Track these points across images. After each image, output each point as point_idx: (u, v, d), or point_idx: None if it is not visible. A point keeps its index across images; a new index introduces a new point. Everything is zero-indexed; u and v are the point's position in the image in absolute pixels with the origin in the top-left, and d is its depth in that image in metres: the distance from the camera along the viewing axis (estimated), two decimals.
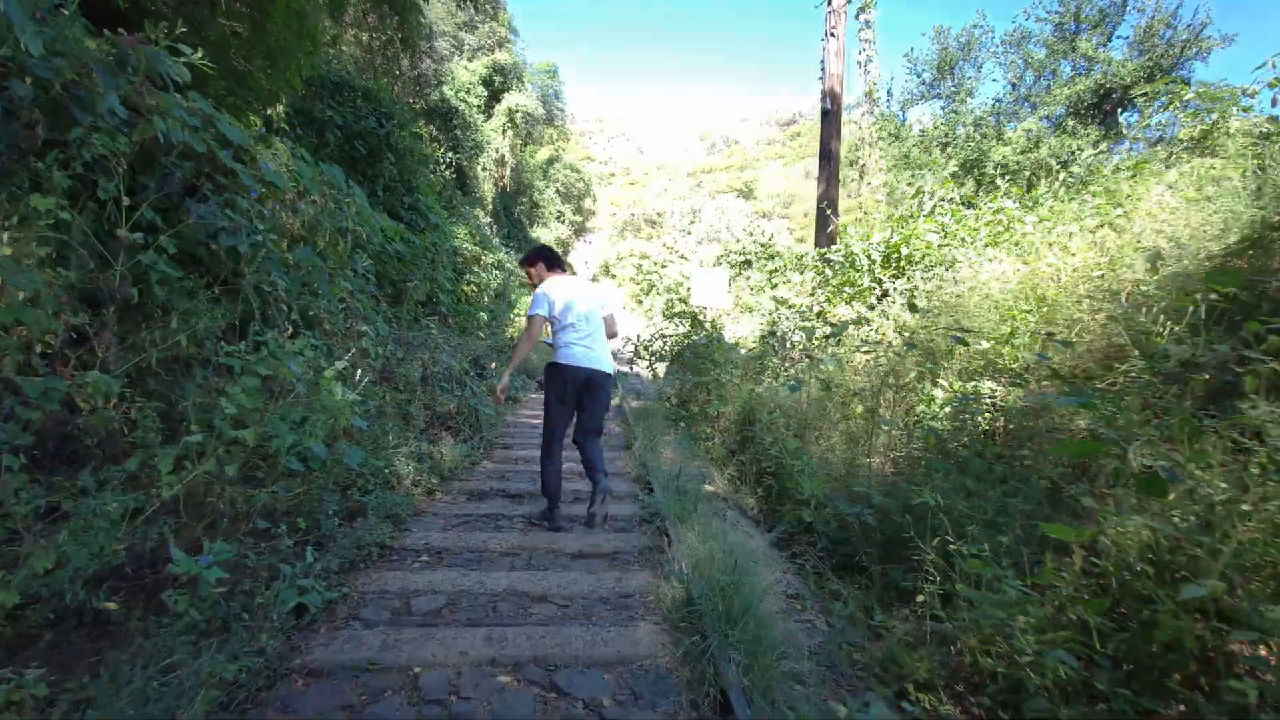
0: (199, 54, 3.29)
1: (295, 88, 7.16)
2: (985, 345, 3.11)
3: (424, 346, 6.93)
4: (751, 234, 21.09)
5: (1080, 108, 15.70)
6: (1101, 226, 3.56)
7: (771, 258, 19.87)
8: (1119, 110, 15.97)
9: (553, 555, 3.33)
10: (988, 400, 3.02)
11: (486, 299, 12.71)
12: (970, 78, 18.50)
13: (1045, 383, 3.07)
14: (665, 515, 3.59)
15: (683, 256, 29.40)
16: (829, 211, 7.59)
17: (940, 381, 3.39)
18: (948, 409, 3.28)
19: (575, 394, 3.61)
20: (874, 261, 5.71)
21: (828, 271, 6.37)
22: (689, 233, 49.76)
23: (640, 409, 6.89)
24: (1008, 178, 15.25)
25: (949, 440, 2.97)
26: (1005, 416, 3.01)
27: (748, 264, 20.56)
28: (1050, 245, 3.62)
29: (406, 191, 10.50)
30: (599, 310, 3.73)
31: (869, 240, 5.85)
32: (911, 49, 19.26)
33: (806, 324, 6.11)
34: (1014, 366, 3.07)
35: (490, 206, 25.99)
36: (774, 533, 3.73)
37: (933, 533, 2.40)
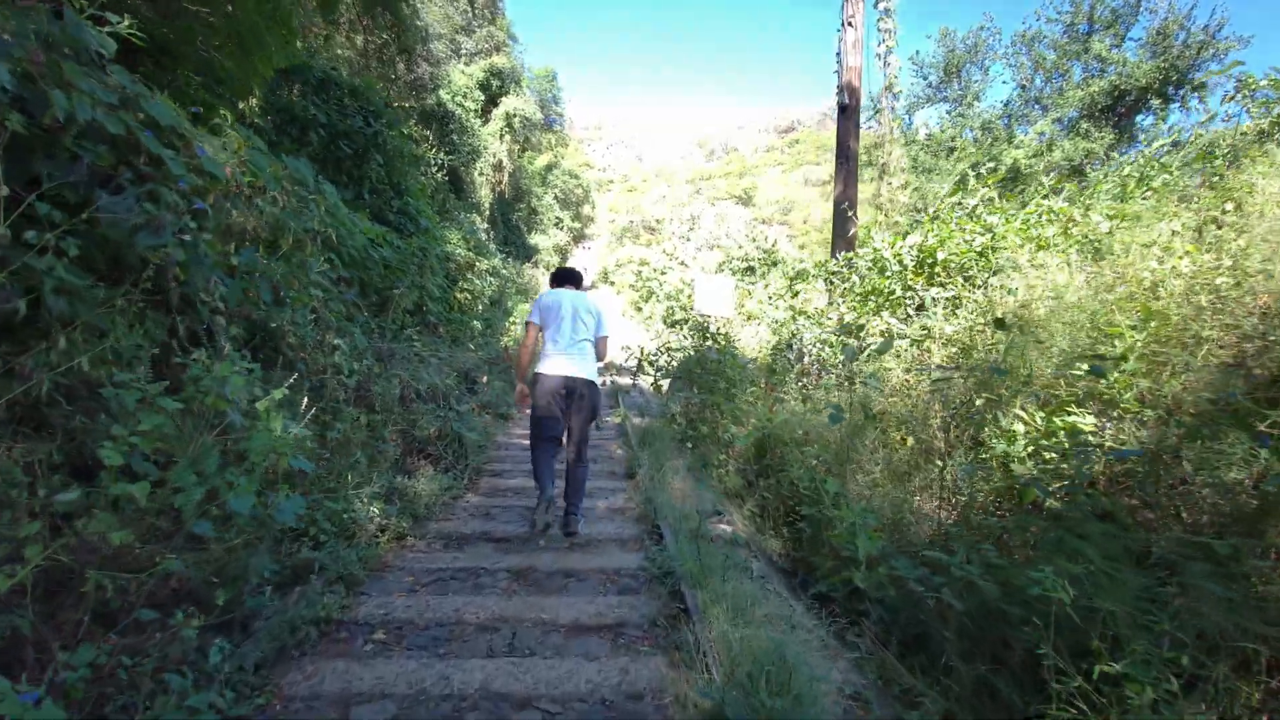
0: (124, 24, 2.64)
1: (265, 76, 6.52)
2: (1087, 369, 2.47)
3: (406, 360, 6.27)
4: (754, 240, 20.49)
5: (1094, 110, 15.13)
6: (1209, 224, 2.94)
7: (775, 264, 19.26)
8: (1134, 113, 15.43)
9: (542, 630, 2.64)
10: (1096, 439, 2.38)
11: (481, 307, 12.06)
12: (977, 81, 17.96)
13: (1156, 414, 2.42)
14: (680, 575, 2.92)
15: (683, 263, 28.94)
16: (849, 213, 6.95)
17: (1018, 412, 2.75)
18: (1029, 447, 2.63)
19: (557, 404, 3.59)
20: (906, 267, 5.08)
21: (854, 278, 5.73)
22: (688, 239, 49.24)
23: (644, 428, 6.23)
24: (1016, 184, 14.68)
25: (1047, 492, 2.31)
26: (1109, 461, 2.37)
27: (751, 270, 19.96)
28: (1142, 247, 2.99)
29: (395, 194, 9.86)
30: (585, 321, 3.71)
31: (900, 243, 5.21)
32: (917, 51, 18.71)
33: (840, 338, 5.45)
34: (1125, 396, 2.42)
35: (487, 212, 25.38)
36: (811, 591, 3.07)
37: (1053, 627, 1.75)
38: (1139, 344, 2.50)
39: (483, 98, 24.41)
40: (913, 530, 3.23)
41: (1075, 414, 2.46)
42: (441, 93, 23.67)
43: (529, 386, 3.76)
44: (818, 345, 5.78)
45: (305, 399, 3.23)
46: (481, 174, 24.46)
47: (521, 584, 3.07)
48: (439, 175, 16.25)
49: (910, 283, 5.10)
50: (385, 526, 3.45)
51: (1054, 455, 2.61)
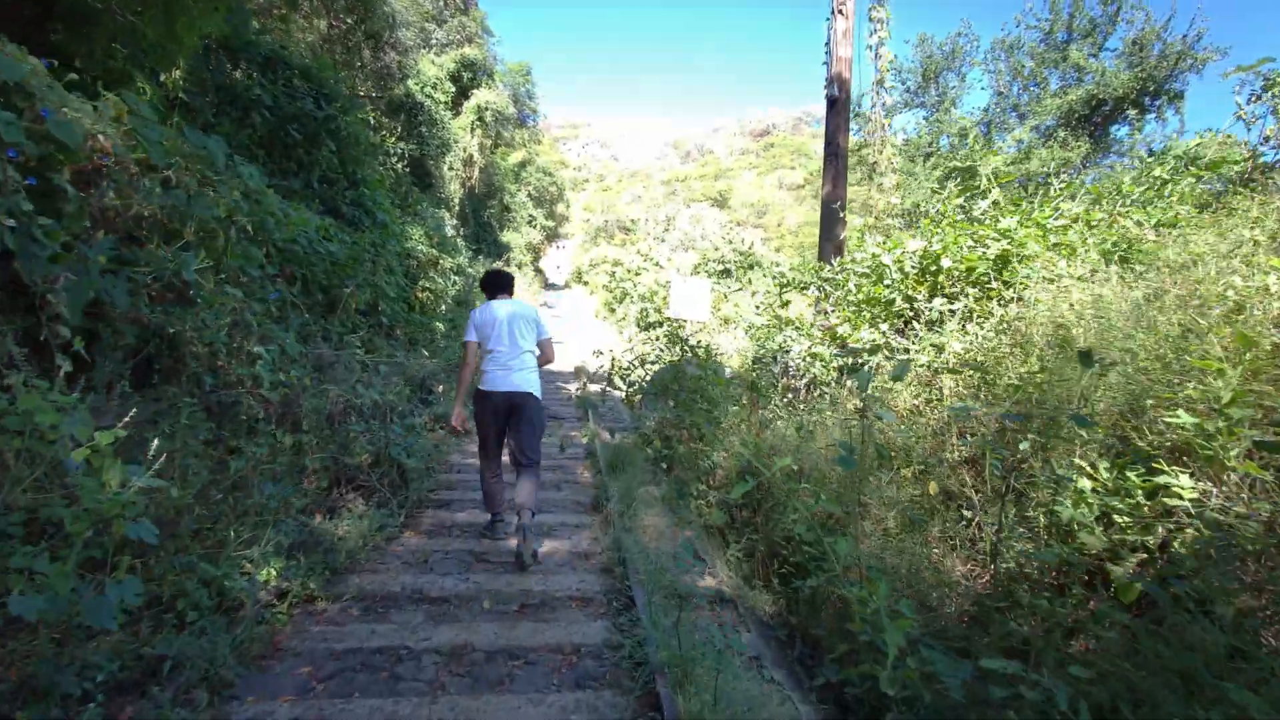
0: None
1: (189, 44, 5.71)
2: (1184, 418, 1.90)
3: (350, 369, 5.51)
4: (731, 241, 19.99)
5: (1071, 119, 14.98)
6: None
7: (752, 267, 18.78)
8: (1110, 123, 15.33)
9: None
10: (1196, 508, 1.81)
11: (444, 307, 11.26)
12: (954, 87, 17.75)
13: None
14: (655, 665, 2.28)
15: (657, 264, 28.30)
16: (839, 214, 6.39)
17: (1078, 461, 2.18)
18: (1095, 507, 2.07)
19: (499, 420, 3.61)
20: (906, 275, 4.53)
21: (850, 285, 5.16)
22: (663, 240, 48.80)
23: (615, 448, 5.58)
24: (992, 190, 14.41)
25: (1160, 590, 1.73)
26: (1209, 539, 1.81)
27: (727, 273, 19.45)
28: (1221, 258, 2.45)
29: (350, 185, 9.02)
30: (523, 331, 3.64)
31: (898, 249, 4.66)
32: (895, 56, 18.41)
33: (835, 352, 4.87)
34: (1231, 453, 1.87)
35: (457, 208, 24.41)
36: (818, 680, 2.45)
37: None
38: (1235, 380, 1.95)
39: (453, 89, 23.45)
40: (933, 595, 2.64)
41: (1165, 471, 1.90)
42: (410, 83, 22.65)
43: (474, 403, 3.68)
44: (806, 359, 5.21)
45: (185, 426, 2.50)
46: (451, 168, 23.49)
47: (453, 672, 2.39)
48: (400, 166, 15.34)
49: (911, 292, 4.56)
50: (285, 591, 2.73)
51: (1127, 520, 2.04)
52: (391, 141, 15.23)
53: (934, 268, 4.42)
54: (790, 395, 5.48)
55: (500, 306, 3.66)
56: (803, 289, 6.39)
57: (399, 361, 6.76)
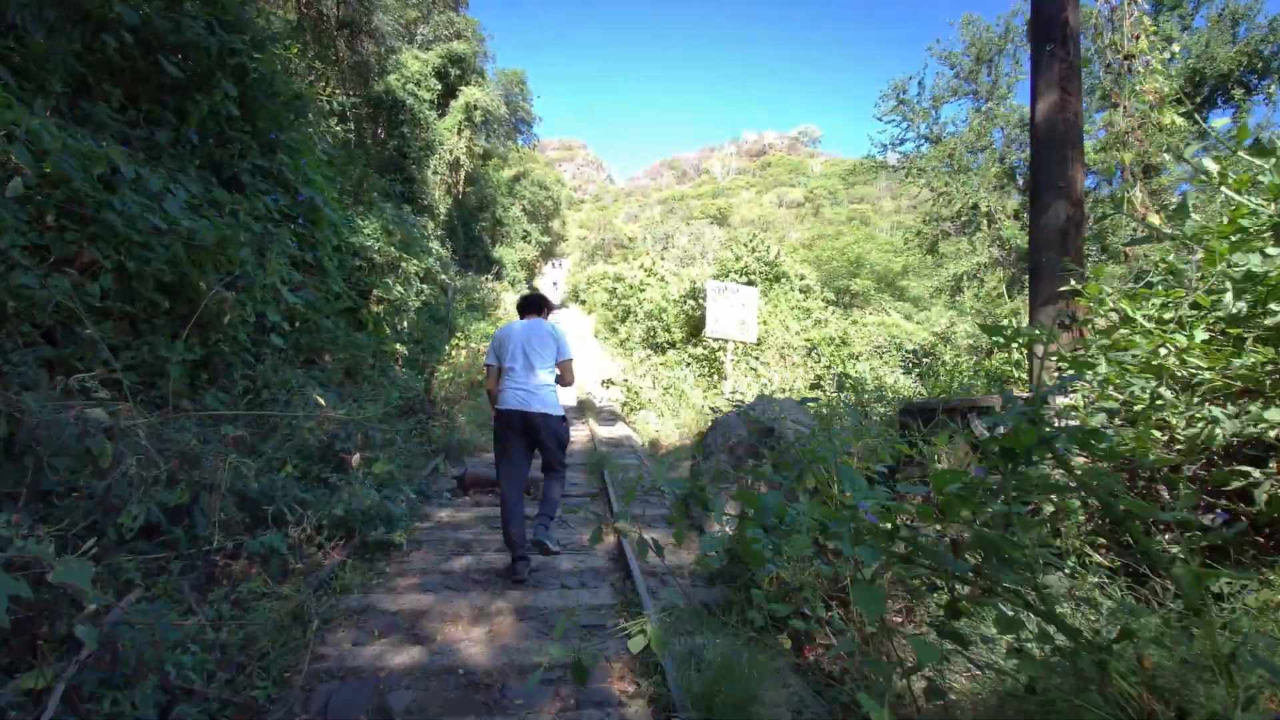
0: None
1: None
2: None
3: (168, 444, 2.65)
4: (754, 249, 17.30)
5: (1163, 100, 12.42)
6: None
7: (778, 278, 16.04)
8: (1209, 104, 12.81)
9: None
10: None
11: (406, 324, 8.41)
12: (1008, 74, 15.24)
13: None
14: None
15: (662, 279, 25.55)
16: (1066, 150, 3.54)
17: None
18: None
19: (518, 439, 3.50)
20: None
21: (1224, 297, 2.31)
22: (663, 258, 46.35)
23: (672, 603, 2.70)
24: None
25: None
26: None
27: (751, 285, 16.72)
28: None
29: (263, 150, 6.22)
30: (539, 350, 3.54)
31: None
32: (938, 40, 15.88)
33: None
34: None
35: (442, 217, 21.66)
36: None
37: None
38: None
39: (439, 87, 20.85)
40: None
41: None
42: (391, 78, 20.05)
43: (494, 421, 3.56)
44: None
45: None
46: (436, 173, 20.79)
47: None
48: (342, 129, 12.42)
49: None
50: None
51: None
52: (330, 94, 12.32)
53: None
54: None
55: (516, 327, 3.65)
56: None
57: (293, 418, 3.85)
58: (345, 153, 9.08)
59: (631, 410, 9.02)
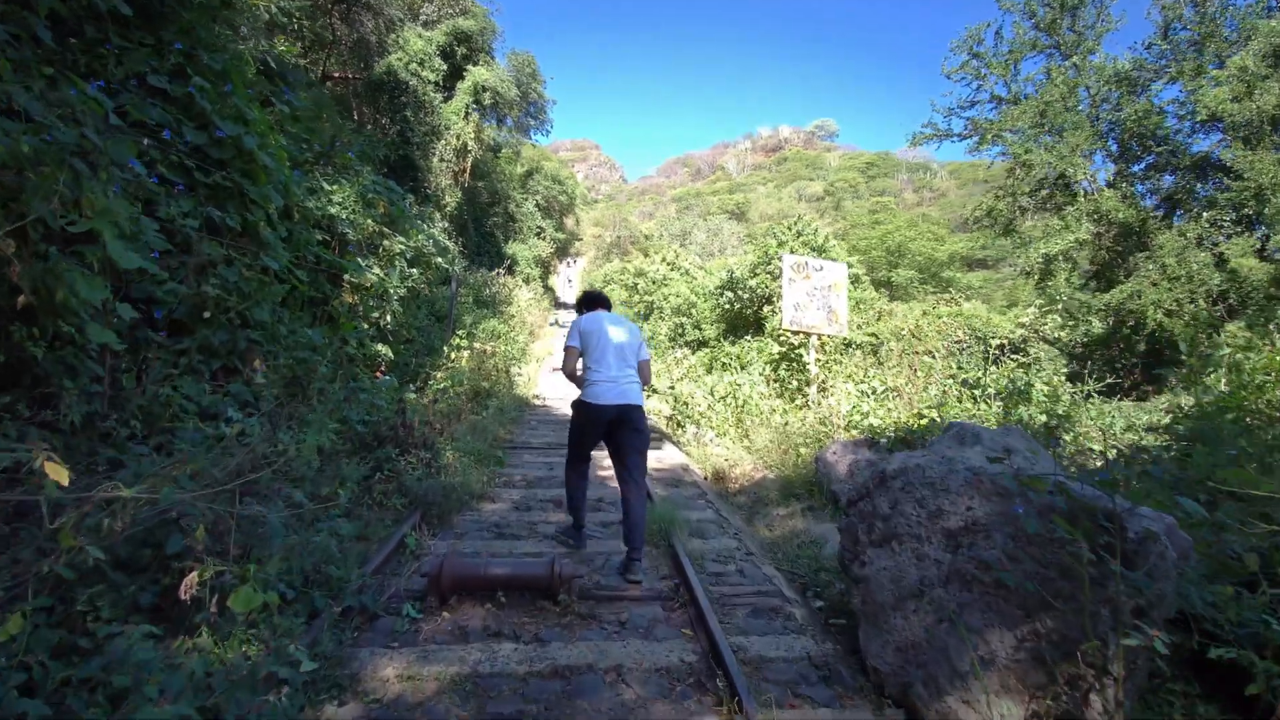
0: None
1: None
2: None
3: None
4: (798, 231, 15.15)
5: None
6: None
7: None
8: None
9: None
10: None
11: (389, 319, 6.43)
12: (1093, 24, 12.95)
13: None
14: None
15: (687, 272, 23.39)
16: None
17: None
18: None
19: (604, 432, 3.36)
20: None
21: None
22: (678, 254, 44.26)
23: None
24: None
25: None
26: None
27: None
28: None
29: (173, 73, 4.27)
30: (631, 344, 3.45)
31: None
32: None
33: None
34: None
35: (449, 208, 19.73)
36: None
37: None
38: None
39: (444, 67, 18.94)
40: None
41: None
42: (392, 58, 18.19)
43: (575, 412, 3.41)
44: None
45: None
46: (442, 159, 18.88)
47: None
48: (291, 47, 10.57)
49: None
50: None
51: None
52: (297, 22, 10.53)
53: None
54: None
55: (605, 318, 3.48)
56: None
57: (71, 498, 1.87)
58: (311, 99, 7.09)
59: (678, 425, 6.97)
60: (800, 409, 5.76)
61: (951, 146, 13.90)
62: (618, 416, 3.25)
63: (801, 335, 6.41)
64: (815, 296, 6.03)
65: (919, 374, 5.49)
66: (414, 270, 6.77)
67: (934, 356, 9.44)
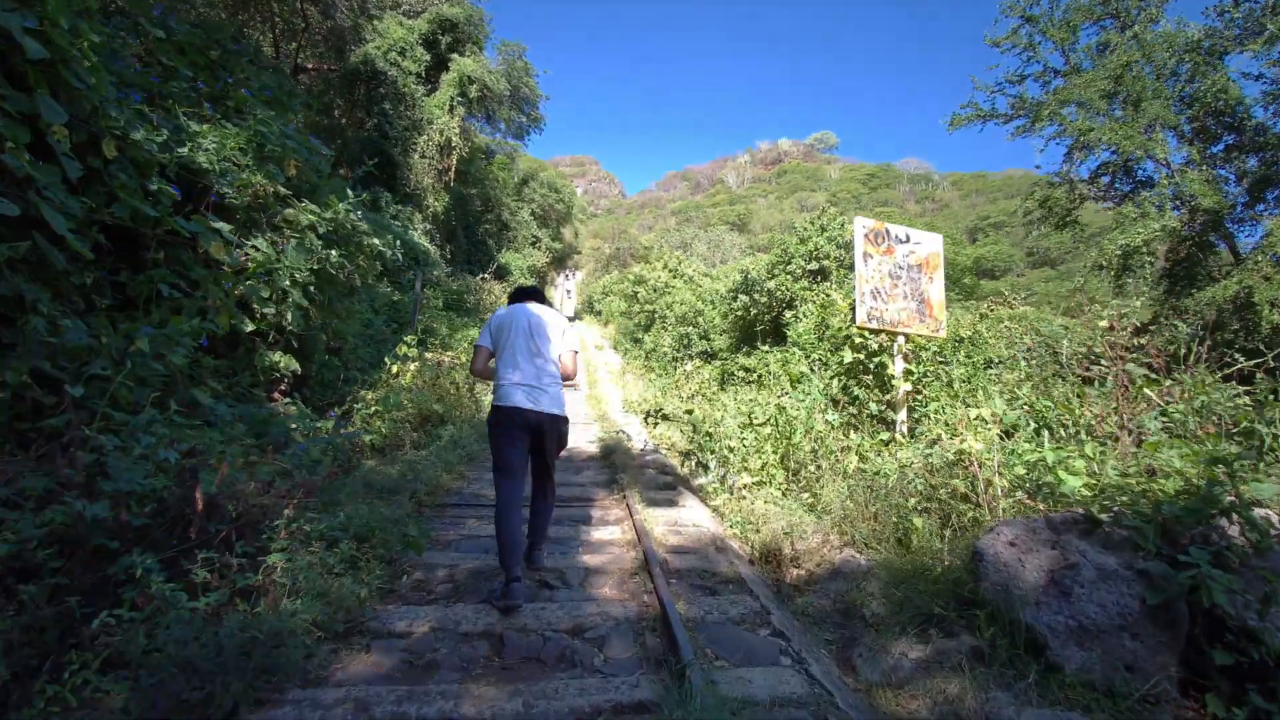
0: None
1: None
2: None
3: None
4: (822, 226, 13.24)
5: None
6: None
7: (853, 267, 11.92)
8: None
9: None
10: None
11: (289, 316, 4.45)
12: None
13: None
14: None
15: (691, 279, 21.40)
16: None
17: None
18: None
19: (521, 443, 2.91)
20: None
21: None
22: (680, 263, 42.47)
23: None
24: None
25: None
26: None
27: (821, 274, 12.62)
28: None
29: None
30: (547, 337, 3.02)
31: None
32: None
33: None
34: None
35: (435, 212, 17.85)
36: None
37: None
38: None
39: (427, 57, 17.17)
40: None
41: None
42: (370, 46, 16.43)
43: (493, 420, 2.93)
44: None
45: None
46: (424, 155, 17.01)
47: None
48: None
49: None
50: None
51: None
52: None
53: None
54: None
55: (520, 310, 3.07)
56: None
57: None
58: (193, 18, 5.15)
59: (699, 464, 4.96)
60: (886, 445, 3.76)
61: (995, 129, 11.98)
62: (528, 425, 2.87)
63: (885, 335, 4.37)
64: (901, 280, 4.06)
65: (1128, 399, 3.44)
66: (331, 251, 4.80)
67: (994, 366, 7.47)
